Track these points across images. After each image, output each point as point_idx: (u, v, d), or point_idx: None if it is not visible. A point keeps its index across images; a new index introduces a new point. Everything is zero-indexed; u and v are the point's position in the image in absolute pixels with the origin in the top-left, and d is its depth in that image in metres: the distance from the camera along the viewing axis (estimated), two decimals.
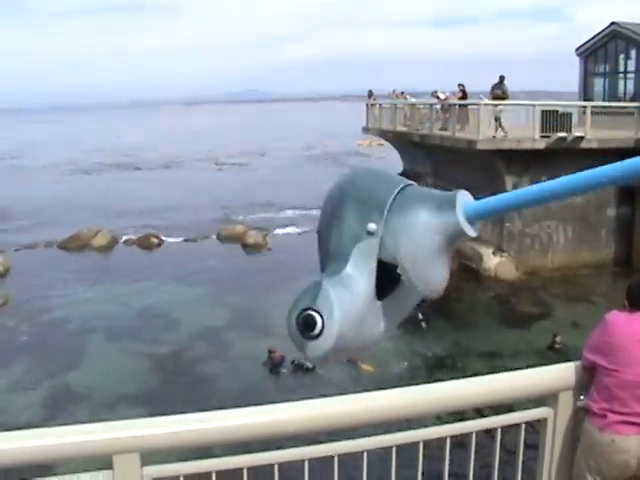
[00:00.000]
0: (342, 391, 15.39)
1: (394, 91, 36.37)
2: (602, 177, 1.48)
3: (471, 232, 1.45)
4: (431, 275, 1.51)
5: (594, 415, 3.74)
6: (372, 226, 1.45)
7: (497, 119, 24.88)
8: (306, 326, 1.44)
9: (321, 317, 1.43)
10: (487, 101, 25.65)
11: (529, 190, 1.48)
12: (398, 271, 1.48)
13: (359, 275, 1.46)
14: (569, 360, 3.73)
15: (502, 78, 26.93)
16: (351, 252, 1.46)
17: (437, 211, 1.46)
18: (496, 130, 24.66)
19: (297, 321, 1.46)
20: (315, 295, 1.44)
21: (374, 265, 1.47)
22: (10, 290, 24.74)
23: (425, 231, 1.45)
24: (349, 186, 1.54)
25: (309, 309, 1.44)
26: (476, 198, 1.55)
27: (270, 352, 17.94)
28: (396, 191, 1.49)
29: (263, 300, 22.69)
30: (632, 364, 3.75)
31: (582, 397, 3.72)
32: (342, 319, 1.44)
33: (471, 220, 1.46)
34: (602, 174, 1.46)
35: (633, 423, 3.70)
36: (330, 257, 1.50)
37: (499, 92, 26.42)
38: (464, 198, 1.50)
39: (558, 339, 18.54)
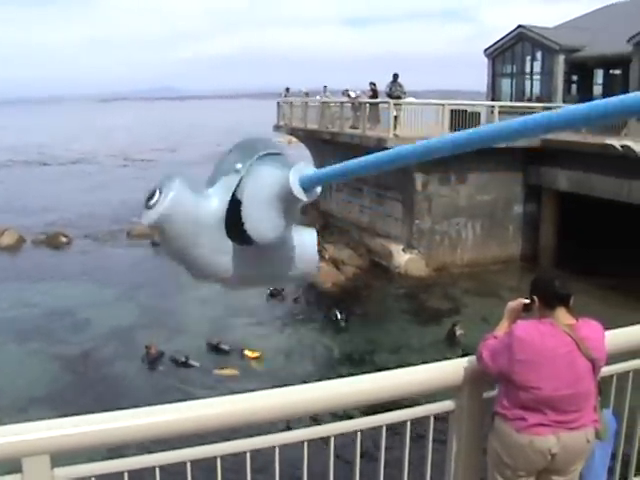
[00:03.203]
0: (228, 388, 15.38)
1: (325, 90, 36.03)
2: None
3: (300, 195, 1.67)
4: (260, 219, 1.73)
5: (508, 419, 3.82)
6: (238, 165, 1.73)
7: (395, 117, 25.19)
8: (148, 197, 1.66)
9: (161, 194, 1.64)
10: (395, 100, 25.94)
11: (357, 160, 1.73)
12: (241, 208, 1.72)
13: (213, 196, 1.71)
14: (469, 351, 3.80)
15: (396, 76, 27.30)
16: (219, 180, 1.74)
17: (279, 168, 1.70)
18: (395, 128, 24.95)
19: (145, 196, 1.67)
20: (167, 181, 1.66)
21: (228, 195, 1.72)
22: None
23: (266, 181, 1.71)
24: (240, 142, 1.81)
25: (156, 186, 1.66)
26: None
27: (147, 348, 18.09)
28: (267, 151, 1.76)
29: (172, 298, 22.57)
30: (547, 379, 3.74)
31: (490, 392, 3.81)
32: (176, 207, 1.65)
33: (305, 185, 1.69)
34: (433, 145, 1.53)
35: (549, 425, 3.80)
36: (207, 182, 1.75)
37: (396, 91, 26.77)
38: (306, 166, 1.74)
39: (457, 329, 19.00)
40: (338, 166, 1.76)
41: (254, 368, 17.84)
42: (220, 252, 1.77)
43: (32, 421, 2.99)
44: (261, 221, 1.73)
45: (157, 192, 1.64)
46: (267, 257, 1.84)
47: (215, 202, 1.71)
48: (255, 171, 1.72)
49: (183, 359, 17.77)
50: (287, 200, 1.70)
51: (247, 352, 18.47)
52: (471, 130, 1.43)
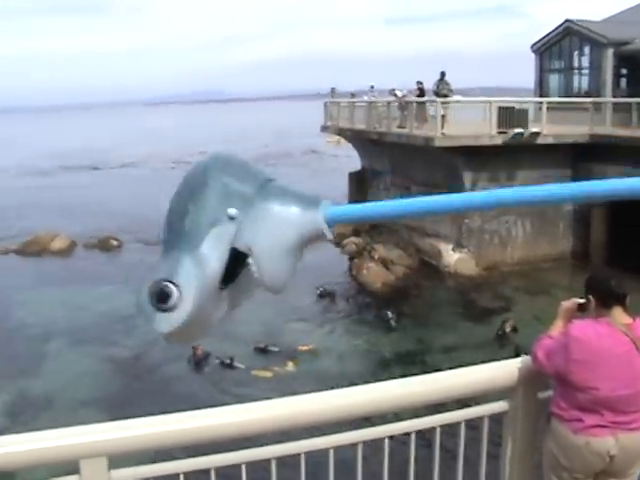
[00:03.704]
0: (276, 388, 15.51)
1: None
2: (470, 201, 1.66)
3: (329, 234, 1.52)
4: (280, 269, 1.53)
5: (565, 420, 3.76)
6: (233, 211, 1.48)
7: (443, 116, 25.04)
8: (160, 297, 1.42)
9: (178, 290, 1.42)
10: (442, 99, 25.80)
11: (390, 204, 1.62)
12: (249, 260, 1.52)
13: (211, 256, 1.47)
14: (521, 349, 3.75)
15: (443, 74, 27.15)
16: (208, 233, 1.47)
17: (302, 210, 1.50)
18: (442, 127, 24.81)
19: (150, 292, 1.44)
20: (174, 267, 1.42)
21: (226, 250, 1.50)
22: None
23: (287, 227, 1.49)
24: (213, 170, 1.56)
25: (166, 281, 1.42)
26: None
27: (193, 349, 18.21)
28: (261, 183, 1.54)
29: None
30: (605, 379, 3.67)
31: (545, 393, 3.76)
32: (198, 295, 1.44)
33: (330, 224, 1.52)
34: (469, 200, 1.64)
35: (606, 426, 3.73)
36: (184, 238, 1.48)
37: (443, 89, 26.63)
38: (327, 203, 1.56)
39: (507, 325, 18.88)
40: (369, 206, 1.65)
41: (304, 369, 17.87)
42: (220, 307, 1.62)
43: (86, 422, 3.03)
44: (280, 272, 1.54)
45: (173, 291, 1.41)
46: (248, 285, 1.63)
47: (213, 264, 1.49)
48: (264, 218, 1.49)
49: (228, 361, 17.89)
50: (310, 242, 1.56)
51: (301, 347, 18.60)
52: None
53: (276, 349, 18.66)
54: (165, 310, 1.40)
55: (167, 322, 1.41)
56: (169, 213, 1.57)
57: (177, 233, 1.50)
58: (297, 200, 1.52)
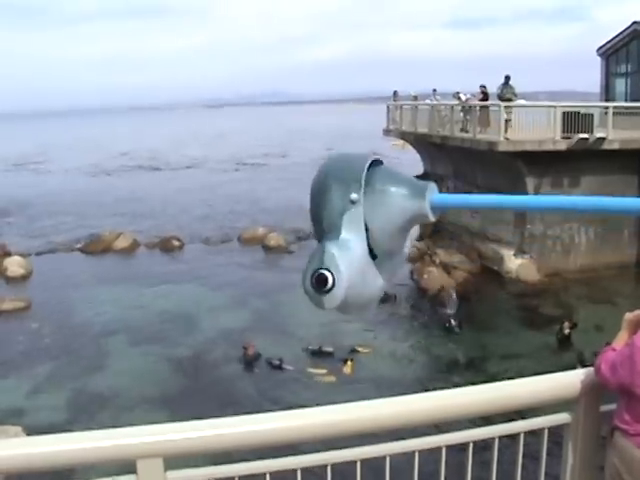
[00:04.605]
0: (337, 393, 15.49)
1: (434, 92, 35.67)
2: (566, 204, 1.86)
3: (432, 217, 1.73)
4: (391, 246, 1.80)
5: (629, 435, 3.66)
6: (354, 196, 1.71)
7: (506, 121, 24.79)
8: (319, 283, 1.66)
9: (330, 273, 1.65)
10: (506, 103, 25.55)
11: (489, 198, 1.87)
12: (368, 238, 1.75)
13: (353, 238, 1.72)
14: (583, 355, 3.67)
15: (507, 78, 26.93)
16: (342, 222, 1.72)
17: (411, 197, 1.73)
18: (506, 131, 24.54)
19: (311, 281, 1.67)
20: (321, 257, 1.67)
21: (363, 227, 1.73)
22: (32, 293, 24.95)
23: (397, 212, 1.73)
24: (327, 170, 1.80)
25: (319, 269, 1.66)
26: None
27: (244, 348, 18.24)
28: (367, 165, 1.76)
29: (283, 303, 22.75)
30: None
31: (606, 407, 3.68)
32: (348, 272, 1.67)
33: (434, 209, 1.73)
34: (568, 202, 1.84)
35: None
36: (326, 231, 1.74)
37: (507, 93, 26.40)
38: (433, 189, 1.75)
39: (565, 326, 18.71)
40: (473, 197, 1.88)
41: (361, 372, 17.83)
42: (376, 278, 1.82)
43: (144, 421, 3.06)
44: (393, 248, 1.81)
45: (327, 275, 1.65)
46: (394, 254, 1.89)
47: (358, 247, 1.72)
48: (378, 203, 1.73)
49: (277, 362, 17.90)
50: (415, 222, 1.77)
51: (359, 349, 18.57)
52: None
53: (330, 349, 18.63)
54: (327, 292, 1.66)
55: (332, 301, 1.67)
56: (311, 215, 1.81)
57: (321, 229, 1.76)
58: (407, 184, 1.75)
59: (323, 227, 1.75)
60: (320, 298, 1.67)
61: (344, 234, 1.71)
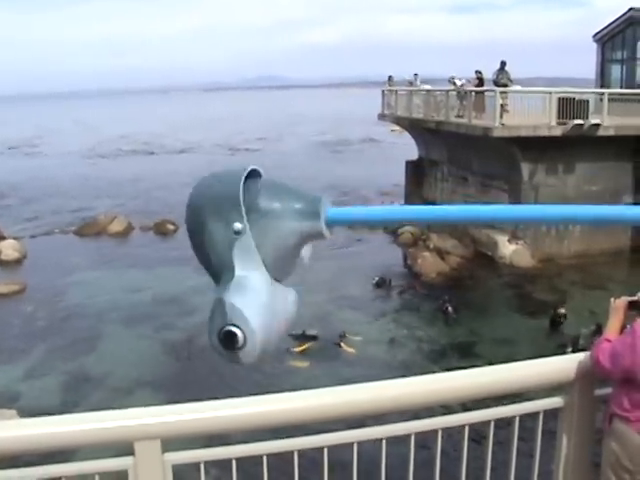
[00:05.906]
0: (331, 375, 15.54)
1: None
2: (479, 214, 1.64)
3: (327, 235, 1.54)
4: (282, 265, 1.58)
5: (630, 421, 3.68)
6: (238, 225, 1.51)
7: (502, 106, 24.74)
8: (230, 342, 1.48)
9: (238, 327, 1.47)
10: (501, 89, 25.51)
11: (393, 209, 1.74)
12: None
13: (250, 272, 1.52)
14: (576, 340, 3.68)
15: (503, 64, 26.90)
16: (232, 257, 1.52)
17: (304, 216, 1.53)
18: (501, 117, 24.50)
19: (219, 341, 1.50)
20: (222, 311, 1.48)
21: (258, 256, 1.53)
22: (26, 277, 24.93)
23: (289, 233, 1.54)
24: (199, 203, 1.63)
25: (225, 326, 1.48)
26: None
27: None
28: (241, 184, 1.53)
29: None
30: None
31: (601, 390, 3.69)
32: (257, 318, 1.49)
33: (329, 226, 1.54)
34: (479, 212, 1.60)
35: None
36: (218, 272, 1.54)
37: (502, 79, 26.38)
38: (327, 203, 1.56)
39: (559, 310, 18.83)
40: (374, 209, 1.67)
41: (355, 356, 17.86)
42: (286, 297, 1.65)
43: (139, 404, 3.07)
44: (286, 270, 1.61)
45: (235, 331, 1.47)
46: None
47: (257, 281, 1.53)
48: (266, 227, 1.53)
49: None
50: (310, 240, 1.60)
51: (348, 335, 18.50)
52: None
53: (314, 333, 18.46)
54: (240, 349, 1.49)
55: (248, 356, 1.50)
56: (197, 258, 1.61)
57: (212, 272, 1.56)
58: (295, 200, 1.55)
59: (214, 269, 1.55)
60: (235, 355, 1.49)
61: (238, 271, 1.51)
